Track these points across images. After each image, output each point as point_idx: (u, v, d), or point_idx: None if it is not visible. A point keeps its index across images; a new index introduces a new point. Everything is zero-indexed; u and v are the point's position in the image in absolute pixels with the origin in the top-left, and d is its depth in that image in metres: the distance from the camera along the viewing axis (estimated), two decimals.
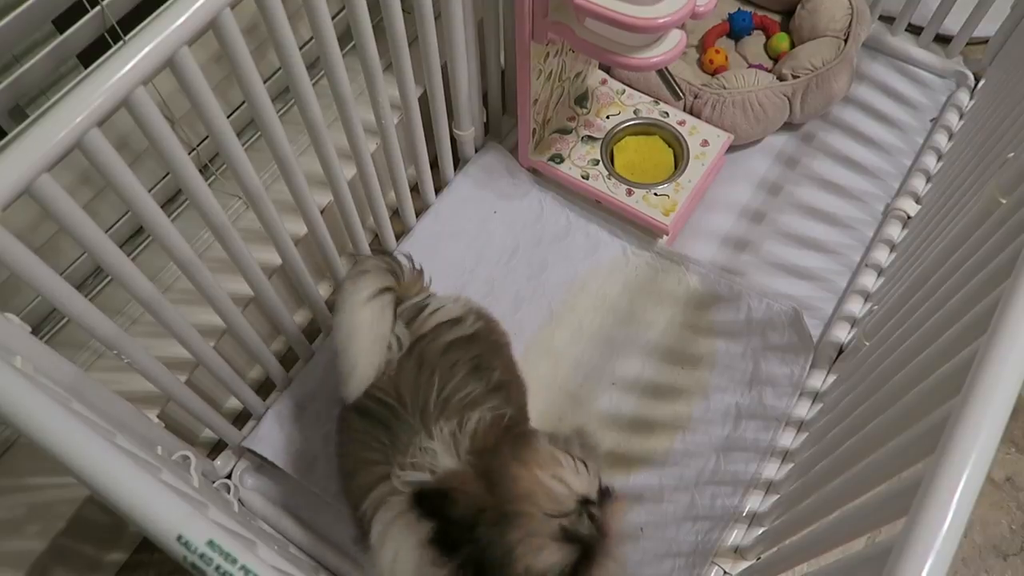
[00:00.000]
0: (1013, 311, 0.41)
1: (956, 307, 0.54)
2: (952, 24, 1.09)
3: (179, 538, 0.36)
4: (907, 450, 0.48)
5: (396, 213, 0.98)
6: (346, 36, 0.73)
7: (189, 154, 0.59)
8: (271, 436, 0.85)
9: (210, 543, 0.36)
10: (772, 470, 0.85)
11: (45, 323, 0.78)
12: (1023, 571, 0.86)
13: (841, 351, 0.91)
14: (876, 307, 0.87)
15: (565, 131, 1.02)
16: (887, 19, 1.14)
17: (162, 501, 0.37)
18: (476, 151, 1.04)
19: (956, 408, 0.39)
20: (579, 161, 1.00)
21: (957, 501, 0.37)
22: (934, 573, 0.36)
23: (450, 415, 0.64)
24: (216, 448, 0.88)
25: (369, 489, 0.63)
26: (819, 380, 0.90)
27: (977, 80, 1.11)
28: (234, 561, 0.36)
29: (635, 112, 1.03)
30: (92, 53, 0.64)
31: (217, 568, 0.35)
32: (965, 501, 0.38)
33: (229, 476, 0.84)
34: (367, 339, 0.65)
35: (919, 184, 1.02)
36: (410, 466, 0.60)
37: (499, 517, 0.56)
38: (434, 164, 0.98)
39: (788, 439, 0.87)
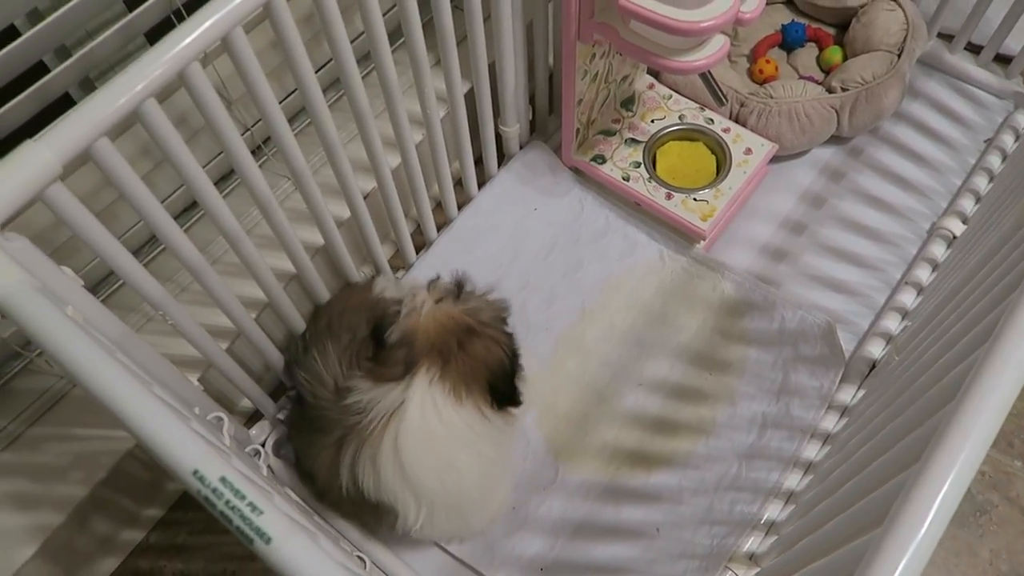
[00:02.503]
0: (1015, 321, 0.41)
1: (972, 320, 0.54)
2: (1013, 44, 1.07)
3: (195, 472, 0.39)
4: (894, 462, 0.48)
5: (439, 205, 1.00)
6: (397, 32, 0.76)
7: (243, 134, 0.63)
8: None
9: (222, 479, 0.39)
10: (794, 481, 0.85)
11: (100, 286, 0.83)
12: None
13: (874, 367, 0.90)
14: (911, 323, 0.86)
15: (609, 133, 1.04)
16: (946, 37, 1.12)
17: (183, 436, 0.39)
18: (520, 148, 1.06)
19: (947, 414, 0.40)
20: (621, 163, 1.01)
21: (938, 506, 0.37)
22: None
23: None
24: (252, 419, 0.92)
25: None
26: (848, 395, 0.89)
27: None
28: (243, 497, 0.38)
29: (680, 117, 1.04)
30: (159, 32, 0.68)
31: (227, 503, 0.38)
32: (946, 507, 0.37)
33: (262, 445, 0.87)
34: None
35: (967, 204, 1.00)
36: None
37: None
38: (478, 159, 1.01)
39: (813, 451, 0.86)
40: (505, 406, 0.73)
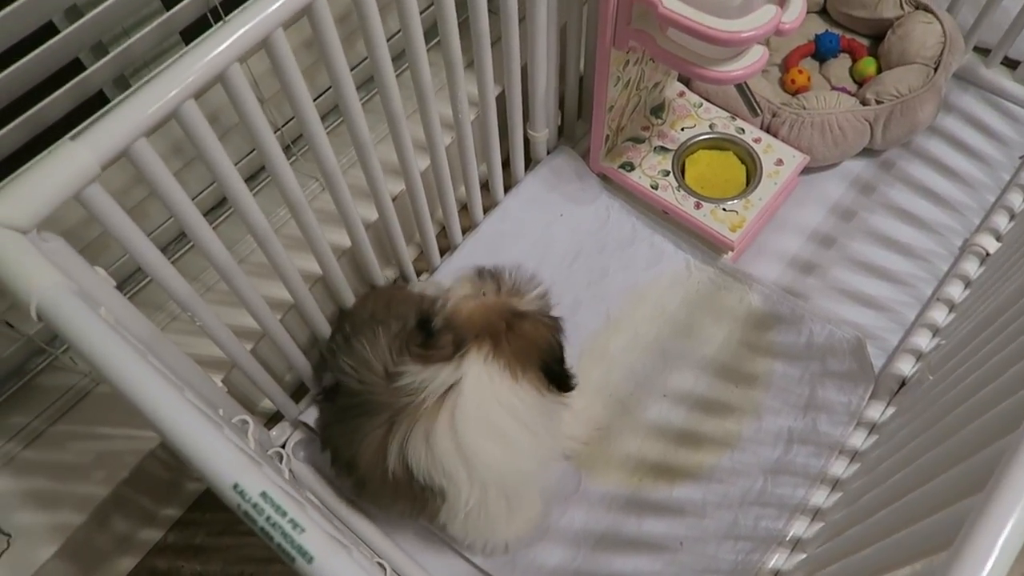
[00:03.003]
0: None
1: (1022, 345, 0.52)
2: None
3: (235, 486, 0.38)
4: (955, 486, 0.47)
5: (464, 208, 1.00)
6: (432, 31, 0.75)
7: (274, 134, 0.62)
8: None
9: (263, 495, 0.38)
10: (821, 497, 0.83)
11: (126, 283, 0.82)
12: None
13: (903, 384, 0.89)
14: (944, 342, 0.85)
15: (638, 140, 1.03)
16: (982, 51, 1.11)
17: (224, 450, 0.39)
18: (548, 153, 1.05)
19: (1012, 444, 0.39)
20: (649, 171, 1.00)
21: (1006, 537, 0.36)
22: None
23: None
24: (272, 420, 0.92)
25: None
26: (878, 412, 0.88)
27: None
28: (284, 514, 0.37)
29: (710, 126, 1.03)
30: (193, 31, 0.68)
31: (268, 519, 0.37)
32: (1015, 538, 0.37)
33: (283, 447, 0.87)
34: None
35: (1002, 221, 0.98)
36: None
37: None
38: (505, 163, 1.00)
39: (840, 468, 0.85)
40: (559, 389, 0.71)
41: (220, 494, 0.39)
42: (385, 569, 0.79)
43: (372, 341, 0.73)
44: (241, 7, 0.54)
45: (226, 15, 0.66)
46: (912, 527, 0.49)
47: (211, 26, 0.68)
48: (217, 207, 0.88)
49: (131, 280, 0.82)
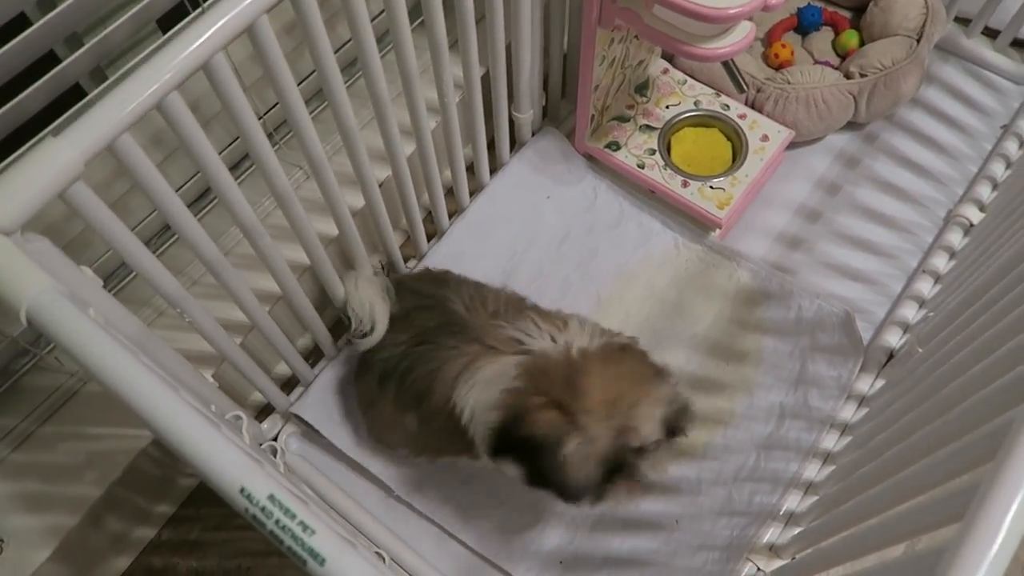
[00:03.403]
0: None
1: (1021, 318, 0.53)
2: None
3: (242, 490, 0.37)
4: (962, 457, 0.48)
5: (450, 192, 0.98)
6: (415, 11, 0.73)
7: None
8: (318, 404, 0.87)
9: (271, 497, 0.37)
10: (813, 471, 0.84)
11: (110, 279, 0.81)
12: None
13: (891, 356, 0.90)
14: (932, 314, 0.86)
15: (623, 119, 1.02)
16: (963, 21, 1.11)
17: (228, 453, 0.38)
18: (533, 135, 1.04)
19: (1020, 416, 0.39)
20: (635, 150, 1.00)
21: (1017, 507, 0.36)
22: None
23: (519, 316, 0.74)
24: (263, 412, 0.91)
25: (455, 379, 0.71)
26: (867, 384, 0.89)
27: None
28: (293, 516, 0.37)
29: (695, 103, 1.02)
30: (170, 19, 0.66)
31: (277, 522, 0.37)
32: None
33: (275, 439, 0.86)
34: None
35: (984, 191, 0.99)
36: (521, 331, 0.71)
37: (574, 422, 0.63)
38: (490, 146, 0.99)
39: (831, 441, 0.86)
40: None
41: (227, 498, 0.38)
42: (384, 558, 0.79)
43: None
44: None
45: (203, 2, 0.64)
46: (916, 501, 0.50)
47: (188, 13, 0.66)
48: (200, 198, 0.86)
49: (114, 276, 0.81)
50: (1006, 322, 0.55)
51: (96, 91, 0.63)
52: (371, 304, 0.78)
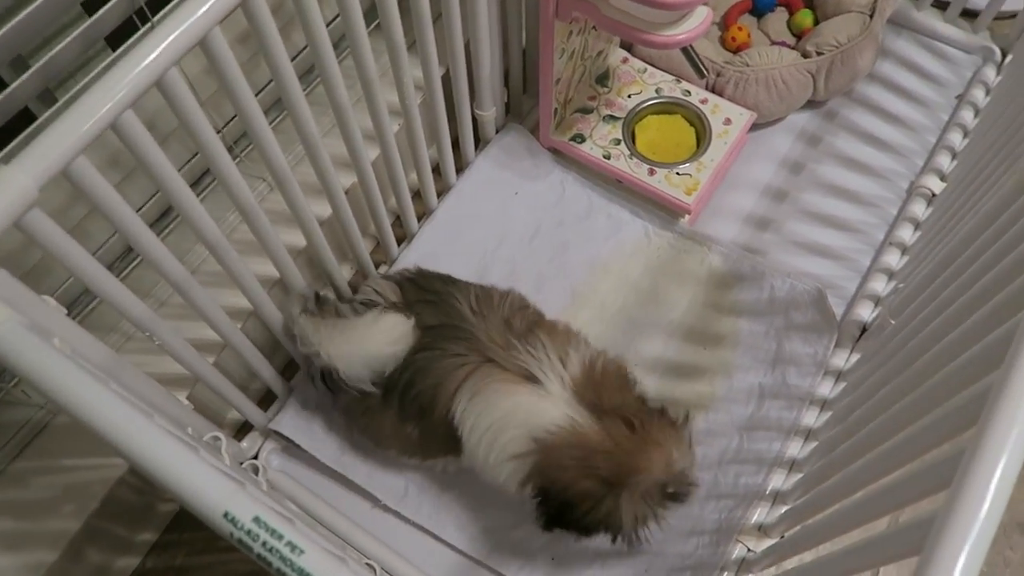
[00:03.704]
0: None
1: (991, 284, 0.53)
2: None
3: (226, 514, 0.36)
4: (942, 426, 0.48)
5: (418, 194, 0.98)
6: (371, 14, 0.72)
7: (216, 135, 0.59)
8: (298, 418, 0.85)
9: (256, 519, 0.36)
10: (795, 449, 0.85)
11: (74, 306, 0.79)
12: None
13: (864, 330, 0.91)
14: (901, 285, 0.87)
15: (586, 110, 1.02)
16: None
17: (208, 478, 0.37)
18: (497, 132, 1.04)
19: (998, 381, 0.39)
20: (601, 141, 1.00)
21: (1002, 471, 0.37)
22: (978, 545, 0.36)
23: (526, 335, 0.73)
24: (241, 430, 0.89)
25: (456, 390, 0.71)
26: (842, 359, 0.90)
27: (1004, 55, 1.09)
28: (280, 537, 0.36)
29: (657, 91, 1.03)
30: (119, 35, 0.64)
31: (264, 544, 0.36)
32: (1009, 473, 0.38)
33: (255, 457, 0.85)
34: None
35: (944, 161, 1.01)
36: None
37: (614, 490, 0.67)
38: (455, 145, 0.98)
39: (812, 418, 0.87)
40: None
41: (210, 524, 0.37)
42: (375, 570, 0.78)
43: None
44: (170, 6, 0.51)
45: (153, 16, 0.63)
46: (899, 473, 0.50)
47: (138, 29, 0.64)
48: (163, 217, 0.84)
49: (78, 303, 0.79)
50: (976, 289, 0.56)
51: (46, 114, 0.61)
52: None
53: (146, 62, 0.47)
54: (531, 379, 0.70)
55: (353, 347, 0.74)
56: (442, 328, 0.74)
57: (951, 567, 0.36)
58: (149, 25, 0.63)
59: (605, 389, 0.71)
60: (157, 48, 0.48)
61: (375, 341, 0.73)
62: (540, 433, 0.68)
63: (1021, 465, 0.38)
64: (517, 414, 0.69)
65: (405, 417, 0.75)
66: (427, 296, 0.77)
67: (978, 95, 1.05)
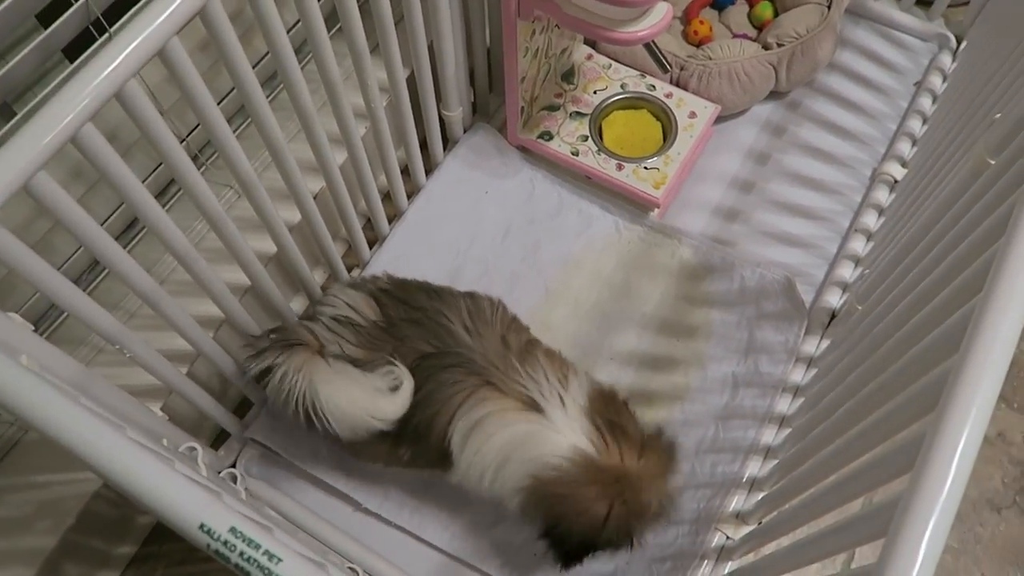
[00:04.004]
0: (1008, 269, 0.42)
1: (949, 268, 0.55)
2: None
3: (201, 526, 0.36)
4: (905, 410, 0.49)
5: (388, 196, 0.97)
6: (332, 18, 0.72)
7: (180, 144, 0.59)
8: (274, 425, 0.85)
9: (232, 530, 0.36)
10: (770, 436, 0.86)
11: (41, 321, 0.78)
12: (1016, 523, 0.88)
13: (834, 316, 0.92)
14: (867, 271, 0.88)
15: (553, 108, 1.02)
16: None
17: (182, 490, 0.37)
18: (465, 131, 1.04)
19: (956, 365, 0.40)
20: (568, 138, 1.00)
21: (960, 453, 0.38)
22: (940, 524, 0.37)
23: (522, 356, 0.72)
24: (219, 438, 0.89)
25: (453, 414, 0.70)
26: (813, 345, 0.91)
27: (959, 42, 1.11)
28: (257, 547, 0.36)
29: (622, 86, 1.03)
30: (76, 47, 0.64)
31: (241, 554, 0.36)
32: (968, 454, 0.39)
33: (233, 465, 0.84)
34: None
35: (905, 148, 1.02)
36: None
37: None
38: (423, 146, 0.98)
39: (785, 405, 0.88)
40: None
41: (186, 536, 0.37)
42: (358, 573, 0.78)
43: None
44: (127, 16, 0.51)
45: (110, 26, 0.62)
46: (867, 457, 0.51)
47: (95, 40, 0.63)
48: (130, 228, 0.84)
49: (46, 318, 0.78)
50: (936, 274, 0.57)
51: (4, 129, 0.60)
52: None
53: (104, 74, 0.47)
54: (532, 406, 0.68)
55: (355, 411, 0.69)
56: (438, 357, 0.71)
57: (915, 548, 0.37)
58: (107, 36, 0.62)
59: (612, 411, 0.70)
60: (115, 59, 0.47)
61: (381, 411, 0.69)
62: (543, 468, 0.66)
63: (979, 445, 0.39)
64: (518, 447, 0.68)
65: (399, 443, 0.73)
66: (413, 314, 0.74)
67: (935, 82, 1.07)
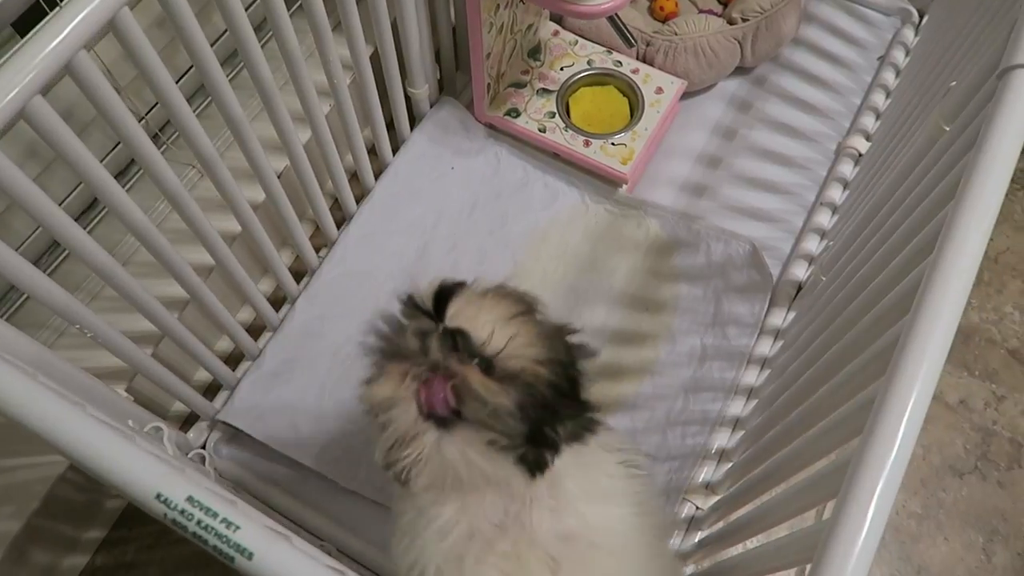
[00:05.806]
0: (957, 229, 0.42)
1: (904, 234, 0.56)
2: None
3: (158, 496, 0.36)
4: (861, 374, 0.50)
5: (355, 176, 0.97)
6: None
7: (139, 123, 0.58)
8: (246, 407, 0.85)
9: (189, 499, 0.36)
10: (738, 407, 0.87)
11: (0, 304, 0.77)
12: (978, 488, 0.90)
13: (800, 288, 0.93)
14: (832, 243, 0.89)
15: (520, 85, 1.02)
16: None
17: (137, 460, 0.37)
18: (431, 107, 1.03)
19: (906, 325, 0.41)
20: (535, 114, 1.00)
21: (911, 409, 0.39)
22: (891, 480, 0.38)
23: None
24: (188, 421, 0.88)
25: None
26: (780, 318, 0.92)
27: (921, 16, 1.12)
28: (215, 515, 0.36)
29: (589, 63, 1.03)
30: (27, 21, 0.62)
31: (199, 523, 0.36)
32: (916, 416, 0.39)
33: (203, 447, 0.84)
34: None
35: (869, 122, 1.03)
36: None
37: None
38: (390, 124, 0.97)
39: (752, 376, 0.89)
40: None
41: (144, 507, 0.37)
42: (330, 551, 0.78)
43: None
44: None
45: (61, 1, 0.61)
46: (824, 422, 0.52)
47: (47, 14, 0.62)
48: (90, 208, 0.82)
49: (6, 300, 0.77)
50: (891, 243, 0.58)
51: None
52: None
53: (52, 45, 0.46)
54: None
55: None
56: None
57: (866, 504, 0.38)
58: (58, 9, 0.61)
59: None
60: (64, 30, 0.47)
61: None
62: None
63: (927, 407, 0.40)
64: None
65: None
66: None
67: (898, 56, 1.08)
